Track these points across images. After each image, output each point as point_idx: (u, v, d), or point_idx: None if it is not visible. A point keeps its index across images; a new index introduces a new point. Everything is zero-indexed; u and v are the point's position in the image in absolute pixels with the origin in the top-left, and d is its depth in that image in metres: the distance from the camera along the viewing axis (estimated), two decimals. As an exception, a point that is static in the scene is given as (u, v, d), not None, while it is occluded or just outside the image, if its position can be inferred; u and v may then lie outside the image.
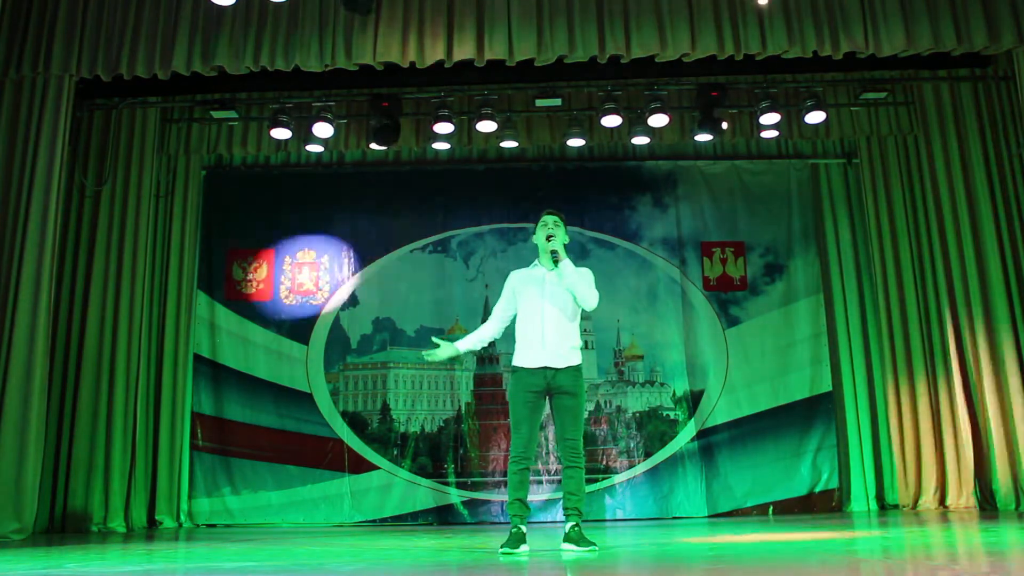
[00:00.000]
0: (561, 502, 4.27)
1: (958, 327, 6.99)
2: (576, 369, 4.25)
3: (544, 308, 4.26)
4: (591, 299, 4.28)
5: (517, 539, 4.02)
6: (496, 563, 3.66)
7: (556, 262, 4.23)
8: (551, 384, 4.20)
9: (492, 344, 7.67)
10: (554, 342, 4.21)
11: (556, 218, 4.41)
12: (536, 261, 4.45)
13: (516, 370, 4.29)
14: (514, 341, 4.35)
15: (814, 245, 7.97)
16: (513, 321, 4.43)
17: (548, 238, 4.30)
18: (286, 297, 7.90)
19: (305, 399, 7.66)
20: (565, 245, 4.35)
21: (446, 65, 6.23)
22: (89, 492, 6.66)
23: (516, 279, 4.43)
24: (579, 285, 4.24)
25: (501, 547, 4.00)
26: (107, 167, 7.16)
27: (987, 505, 6.73)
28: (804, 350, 7.72)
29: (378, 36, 6.09)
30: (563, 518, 4.23)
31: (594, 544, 4.04)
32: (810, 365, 7.69)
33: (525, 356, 4.26)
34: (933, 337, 7.21)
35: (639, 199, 8.06)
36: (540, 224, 4.40)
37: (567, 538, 4.08)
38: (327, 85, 7.19)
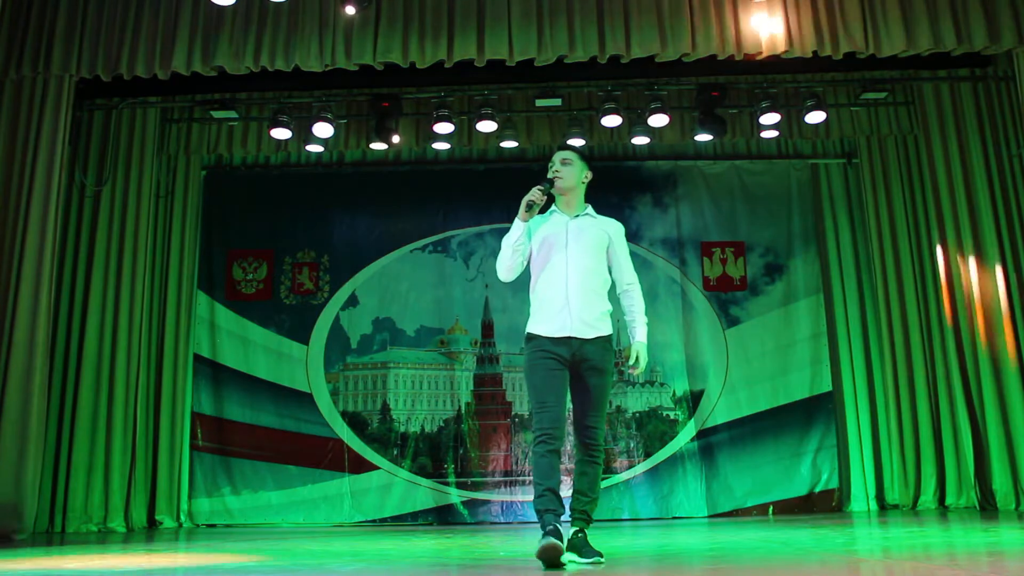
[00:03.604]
0: (570, 505, 3.56)
1: (958, 327, 6.98)
2: (607, 341, 3.58)
3: (568, 264, 3.58)
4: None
5: (556, 536, 3.25)
6: (497, 563, 3.65)
7: (552, 184, 3.64)
8: (577, 357, 3.52)
9: (492, 344, 7.75)
10: (581, 307, 3.54)
11: (565, 153, 3.73)
12: (553, 207, 3.76)
13: (534, 338, 3.58)
14: (515, 333, 3.87)
15: (814, 245, 7.97)
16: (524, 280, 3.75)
17: (552, 182, 3.65)
18: (286, 297, 7.90)
19: (305, 399, 7.66)
20: (589, 185, 3.70)
21: (446, 65, 6.23)
22: (89, 492, 6.66)
23: (532, 221, 3.67)
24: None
25: (539, 542, 3.26)
26: (107, 167, 7.15)
27: (987, 505, 6.73)
28: (804, 350, 7.72)
29: (378, 36, 6.09)
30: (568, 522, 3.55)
31: (600, 555, 3.41)
32: (810, 365, 7.69)
33: (546, 323, 3.56)
34: (933, 337, 7.21)
35: (639, 199, 8.06)
36: (549, 165, 3.77)
37: (570, 546, 3.45)
38: (327, 85, 7.18)
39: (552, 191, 3.66)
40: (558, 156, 3.74)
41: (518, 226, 3.61)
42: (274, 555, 4.23)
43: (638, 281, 3.77)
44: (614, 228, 3.76)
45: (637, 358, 3.61)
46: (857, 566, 3.22)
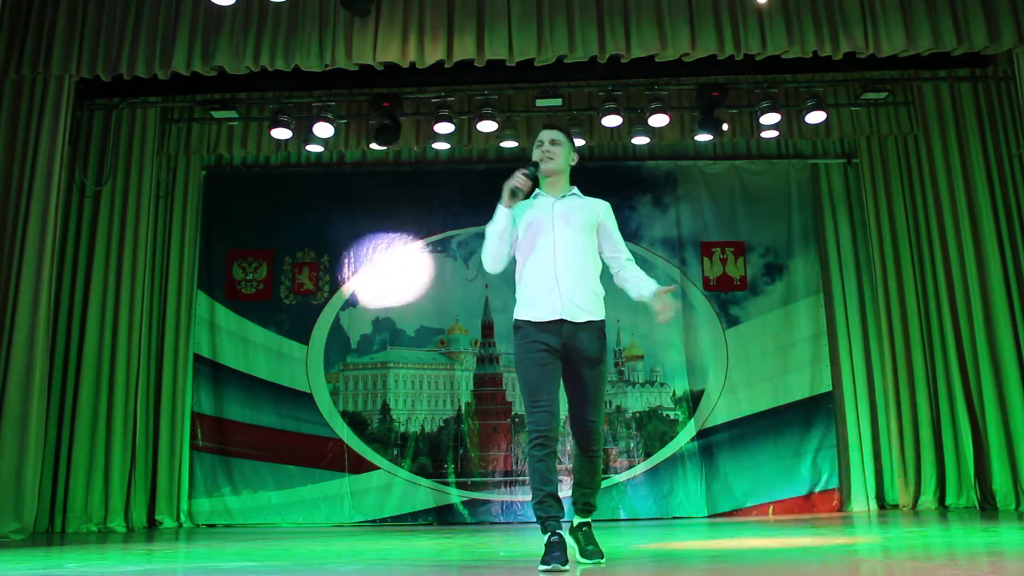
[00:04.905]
0: (571, 497, 3.52)
1: (958, 327, 6.98)
2: (599, 326, 3.41)
3: (556, 246, 3.40)
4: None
5: (560, 550, 3.11)
6: (497, 563, 3.65)
7: (537, 167, 3.49)
8: (568, 344, 3.34)
9: (492, 344, 7.75)
10: (571, 288, 3.35)
11: (554, 133, 3.57)
12: (538, 190, 3.58)
13: (522, 326, 3.39)
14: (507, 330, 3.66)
15: (814, 245, 7.97)
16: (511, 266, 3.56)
17: (537, 165, 3.49)
18: (286, 297, 7.90)
19: (305, 399, 7.66)
20: (574, 167, 3.60)
21: (446, 65, 6.23)
22: (89, 492, 6.66)
23: (516, 207, 3.49)
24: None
25: (541, 564, 3.10)
26: (107, 167, 7.15)
27: (987, 505, 6.73)
28: (804, 350, 7.72)
29: (378, 36, 6.09)
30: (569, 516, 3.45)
31: (601, 556, 3.32)
32: (810, 365, 7.69)
33: (535, 307, 3.37)
34: (933, 337, 7.21)
35: (639, 199, 8.06)
36: (536, 145, 3.61)
37: (573, 537, 3.44)
38: (327, 85, 7.19)
39: (538, 174, 3.50)
40: (546, 135, 3.56)
41: (502, 213, 3.44)
42: (274, 555, 4.23)
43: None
44: (602, 208, 3.62)
45: (664, 302, 3.40)
46: (857, 566, 3.22)
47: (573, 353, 3.36)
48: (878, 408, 7.52)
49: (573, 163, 3.64)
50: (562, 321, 3.34)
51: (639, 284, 3.51)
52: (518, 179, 3.41)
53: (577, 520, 3.48)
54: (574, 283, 3.37)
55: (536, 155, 3.54)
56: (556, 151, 3.53)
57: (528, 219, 3.49)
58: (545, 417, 3.25)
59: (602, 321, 3.45)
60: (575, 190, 3.64)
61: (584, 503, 3.48)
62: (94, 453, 6.72)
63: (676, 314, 3.32)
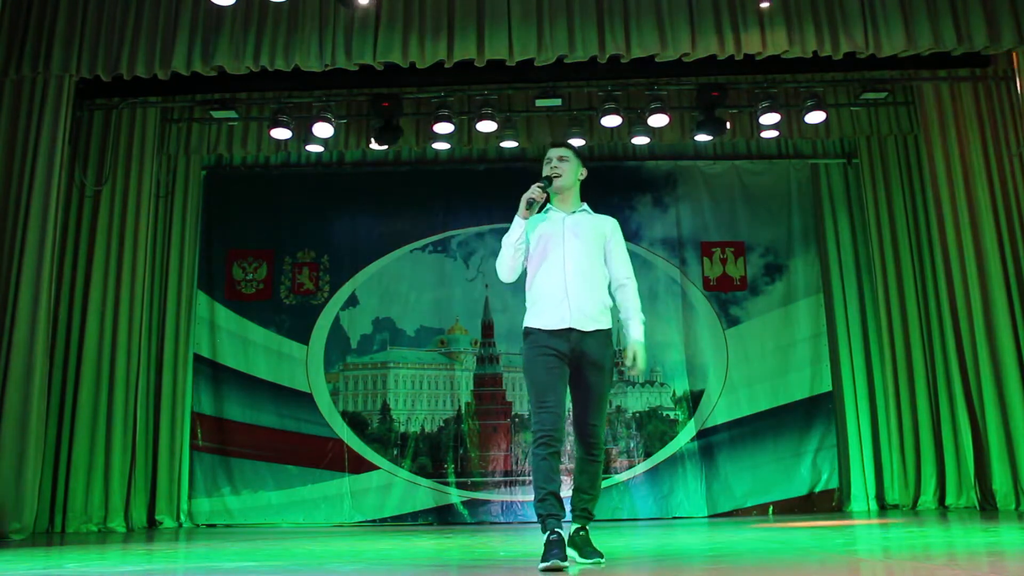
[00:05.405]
0: (570, 500, 3.58)
1: (958, 327, 6.98)
2: (606, 335, 3.55)
3: (566, 259, 3.54)
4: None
5: (559, 548, 3.16)
6: (497, 563, 3.65)
7: (550, 182, 3.60)
8: (576, 350, 3.47)
9: (492, 344, 7.75)
10: (580, 299, 3.49)
11: (561, 150, 3.72)
12: (549, 205, 3.72)
13: (532, 332, 3.53)
14: (515, 333, 3.72)
15: (814, 245, 7.97)
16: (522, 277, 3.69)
17: (550, 180, 3.61)
18: (286, 297, 7.91)
19: (305, 399, 7.66)
20: (583, 181, 3.71)
21: (446, 65, 6.23)
22: (89, 492, 6.66)
23: (529, 220, 3.61)
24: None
25: (541, 563, 3.12)
26: (107, 167, 7.15)
27: (987, 505, 6.72)
28: (804, 350, 7.72)
29: (378, 36, 6.09)
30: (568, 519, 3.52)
31: (601, 556, 3.39)
32: (810, 365, 7.69)
33: (545, 316, 3.51)
34: (933, 337, 7.21)
35: (639, 199, 8.06)
36: (544, 162, 3.72)
37: (571, 544, 3.46)
38: (327, 85, 7.19)
39: (549, 189, 3.63)
40: (554, 152, 3.71)
41: (518, 224, 3.57)
42: (274, 555, 4.23)
43: (635, 279, 3.74)
44: (610, 225, 3.75)
45: (635, 358, 3.55)
46: (857, 566, 3.22)
47: (581, 358, 3.49)
48: (878, 408, 7.52)
49: (582, 178, 3.77)
50: (571, 329, 3.48)
51: (628, 318, 3.67)
52: (534, 191, 3.54)
53: (574, 525, 3.55)
54: (583, 294, 3.52)
55: (546, 172, 3.68)
56: (564, 167, 3.67)
57: (540, 232, 3.63)
58: (551, 418, 3.37)
59: (609, 329, 3.58)
60: (585, 206, 3.76)
61: (583, 509, 3.56)
62: (94, 453, 6.72)
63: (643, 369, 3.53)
